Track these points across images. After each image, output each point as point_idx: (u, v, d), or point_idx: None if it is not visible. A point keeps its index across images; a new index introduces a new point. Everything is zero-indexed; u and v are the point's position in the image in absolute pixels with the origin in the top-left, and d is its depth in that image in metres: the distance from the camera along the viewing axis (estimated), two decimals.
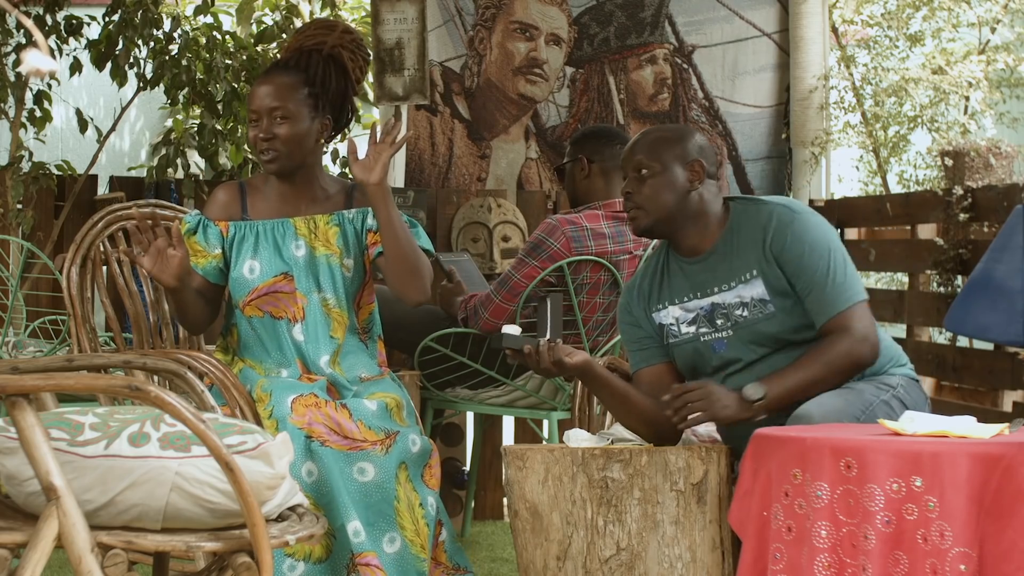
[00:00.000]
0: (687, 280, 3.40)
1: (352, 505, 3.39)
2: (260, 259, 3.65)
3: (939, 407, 4.30)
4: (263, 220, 3.69)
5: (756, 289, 3.31)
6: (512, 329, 3.35)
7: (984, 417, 3.46)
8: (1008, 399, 5.08)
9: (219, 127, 6.89)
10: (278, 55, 3.76)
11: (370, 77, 7.20)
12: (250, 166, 6.80)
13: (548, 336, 3.33)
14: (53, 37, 6.35)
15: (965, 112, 6.07)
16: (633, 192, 3.40)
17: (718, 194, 3.42)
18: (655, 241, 4.78)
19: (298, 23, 7.25)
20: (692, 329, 3.38)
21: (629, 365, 3.56)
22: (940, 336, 5.84)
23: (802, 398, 3.20)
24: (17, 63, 6.20)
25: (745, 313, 3.32)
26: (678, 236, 3.40)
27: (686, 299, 3.40)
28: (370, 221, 3.72)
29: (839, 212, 6.09)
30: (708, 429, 3.58)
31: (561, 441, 3.44)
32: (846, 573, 2.72)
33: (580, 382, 3.93)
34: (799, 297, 3.28)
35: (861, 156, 6.58)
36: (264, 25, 7.30)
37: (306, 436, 3.39)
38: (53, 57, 6.15)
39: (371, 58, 3.78)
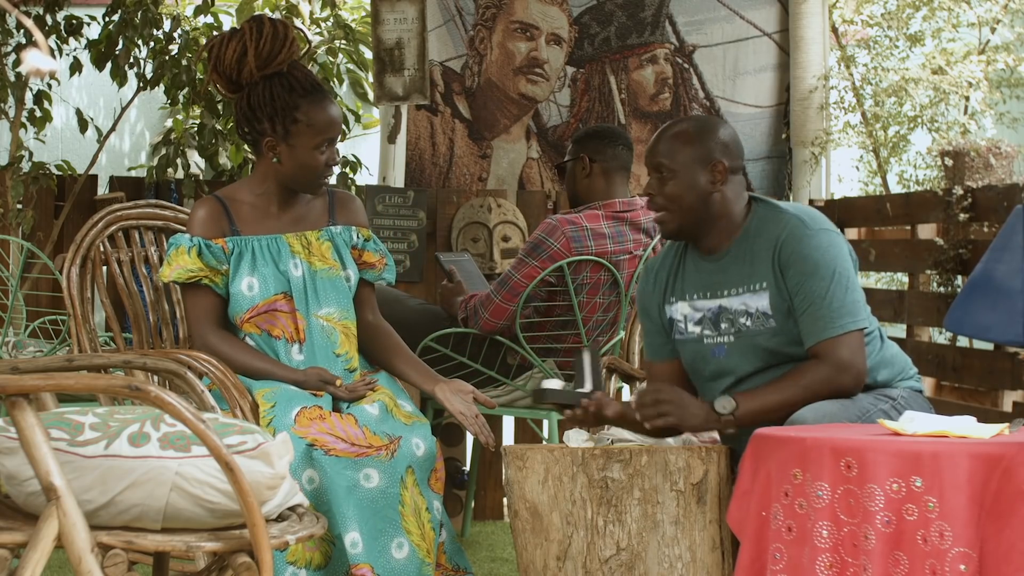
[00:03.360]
0: (700, 278, 3.38)
1: (352, 515, 3.38)
2: (258, 276, 3.62)
3: (939, 407, 4.29)
4: (257, 236, 3.66)
5: (762, 301, 3.28)
6: (553, 383, 3.36)
7: (984, 417, 3.46)
8: (1008, 399, 5.08)
9: (219, 127, 6.88)
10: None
11: (370, 77, 7.20)
12: (250, 166, 6.80)
13: (590, 388, 3.32)
14: (53, 37, 6.34)
15: (965, 112, 6.07)
16: (654, 193, 3.36)
17: (742, 192, 3.37)
18: (655, 242, 4.79)
19: (298, 23, 7.25)
20: (697, 330, 3.37)
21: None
22: (940, 336, 5.84)
23: (775, 419, 3.17)
24: (17, 63, 6.20)
25: (748, 323, 3.30)
26: (702, 237, 3.38)
27: (696, 297, 3.38)
28: (354, 238, 3.73)
29: (839, 212, 6.09)
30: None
31: (561, 441, 3.43)
32: (848, 573, 2.72)
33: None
34: (796, 314, 3.25)
35: (861, 156, 6.57)
36: None
37: (308, 444, 3.38)
38: (53, 57, 6.15)
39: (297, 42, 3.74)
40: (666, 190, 3.33)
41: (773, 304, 3.26)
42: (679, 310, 3.40)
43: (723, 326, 3.33)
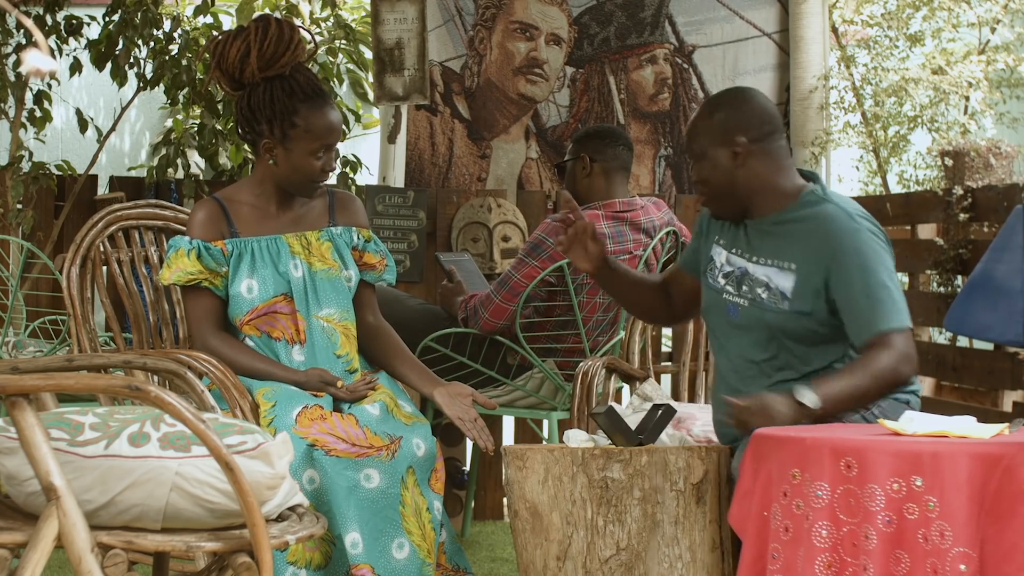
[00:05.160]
0: (743, 235, 3.40)
1: (353, 515, 3.37)
2: (258, 278, 3.62)
3: (939, 407, 4.29)
4: (256, 237, 3.66)
5: (786, 282, 3.29)
6: (621, 409, 3.36)
7: (984, 417, 3.46)
8: (1008, 399, 5.08)
9: (219, 127, 6.89)
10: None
11: (370, 77, 7.20)
12: (250, 166, 6.80)
13: (642, 438, 3.32)
14: (53, 37, 6.34)
15: (965, 112, 6.07)
16: (695, 179, 3.45)
17: (781, 161, 3.36)
18: (655, 242, 4.80)
19: (298, 23, 7.25)
20: (722, 282, 3.40)
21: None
22: (940, 336, 5.84)
23: (850, 406, 3.18)
24: (17, 63, 6.20)
25: (764, 296, 3.31)
26: (749, 209, 3.38)
27: (734, 252, 3.41)
28: (355, 239, 3.72)
29: None
30: (704, 430, 3.58)
31: (561, 441, 3.43)
32: (847, 572, 2.72)
33: (580, 383, 3.93)
34: (836, 308, 3.24)
35: (861, 156, 6.58)
36: None
37: (308, 444, 3.38)
38: (53, 57, 6.15)
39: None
40: (700, 175, 3.40)
41: (797, 289, 3.27)
42: (720, 256, 3.43)
43: (743, 288, 3.35)
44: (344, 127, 3.74)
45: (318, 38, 7.43)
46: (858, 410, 3.22)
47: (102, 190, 6.45)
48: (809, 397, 3.14)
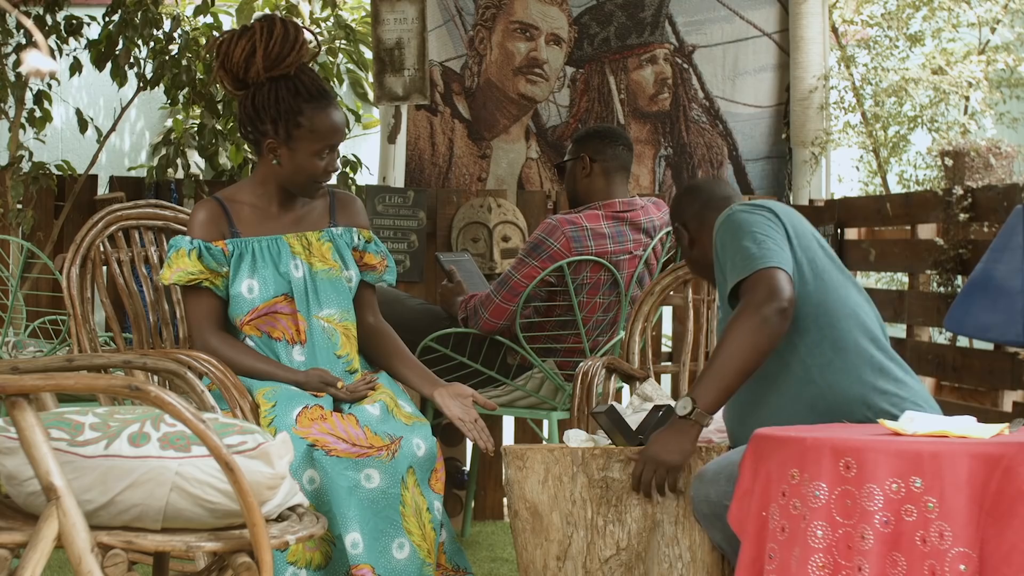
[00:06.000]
0: None
1: (353, 515, 3.37)
2: (259, 278, 3.62)
3: (939, 407, 4.29)
4: (256, 237, 3.66)
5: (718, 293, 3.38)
6: (621, 408, 3.35)
7: (984, 417, 3.46)
8: (1008, 399, 5.08)
9: (219, 127, 6.89)
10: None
11: (370, 77, 7.19)
12: (250, 166, 6.80)
13: (645, 438, 3.31)
14: (53, 37, 6.34)
15: (965, 112, 6.07)
16: None
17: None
18: (655, 242, 4.80)
19: (297, 23, 7.25)
20: None
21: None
22: (940, 336, 5.84)
23: (732, 383, 3.11)
24: (17, 63, 6.20)
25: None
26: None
27: None
28: (355, 240, 3.72)
29: (839, 212, 6.09)
30: (704, 430, 3.58)
31: (561, 441, 3.43)
32: (841, 574, 2.72)
33: (580, 383, 3.93)
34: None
35: (861, 156, 6.58)
36: None
37: (309, 444, 3.38)
38: (53, 57, 6.15)
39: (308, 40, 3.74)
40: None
41: (719, 291, 3.32)
42: None
43: None
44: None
45: (319, 38, 7.43)
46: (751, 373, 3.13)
47: (102, 190, 6.45)
48: (679, 405, 3.12)
